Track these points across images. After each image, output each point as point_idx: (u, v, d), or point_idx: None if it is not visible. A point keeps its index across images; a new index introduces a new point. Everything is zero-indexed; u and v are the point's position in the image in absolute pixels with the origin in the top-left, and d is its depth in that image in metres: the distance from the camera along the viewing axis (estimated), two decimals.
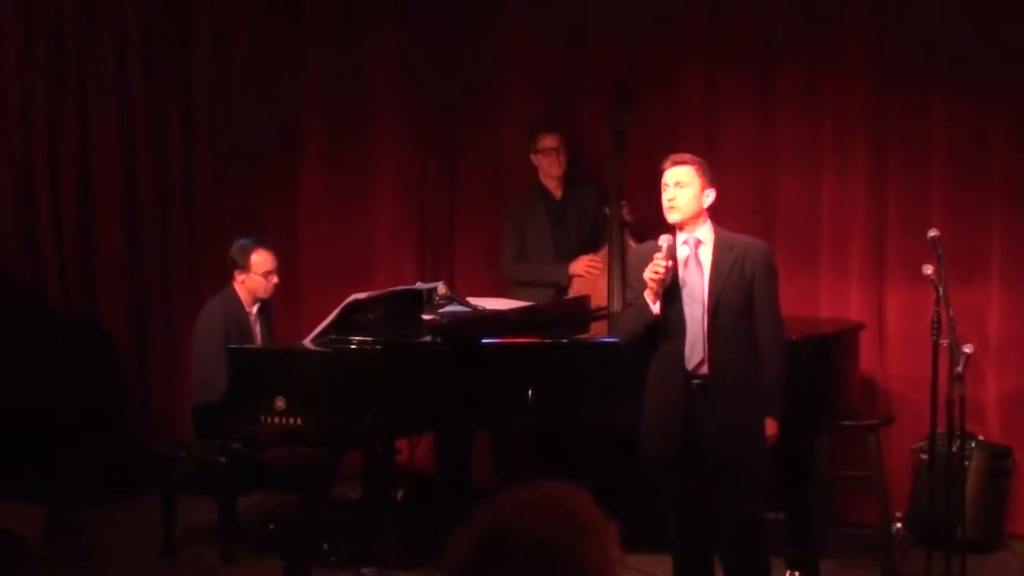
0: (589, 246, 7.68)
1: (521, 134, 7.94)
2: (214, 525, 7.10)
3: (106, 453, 8.15)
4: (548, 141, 7.76)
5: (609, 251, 7.37)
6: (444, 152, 8.41)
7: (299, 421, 6.41)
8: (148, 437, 8.36)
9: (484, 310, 7.02)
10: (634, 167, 7.43)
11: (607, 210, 7.42)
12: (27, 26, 8.57)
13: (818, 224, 7.67)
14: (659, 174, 5.73)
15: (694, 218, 5.70)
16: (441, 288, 6.93)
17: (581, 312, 7.30)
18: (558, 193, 7.83)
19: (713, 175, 5.75)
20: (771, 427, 5.68)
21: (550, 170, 7.78)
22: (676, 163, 5.71)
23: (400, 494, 7.21)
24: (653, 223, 7.19)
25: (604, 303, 7.34)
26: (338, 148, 8.54)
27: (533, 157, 7.82)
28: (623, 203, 7.31)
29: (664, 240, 5.61)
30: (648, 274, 5.56)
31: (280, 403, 6.40)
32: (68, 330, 8.51)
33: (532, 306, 7.26)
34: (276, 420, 6.43)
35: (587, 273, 7.55)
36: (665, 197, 5.69)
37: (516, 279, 7.77)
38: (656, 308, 5.60)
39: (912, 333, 7.24)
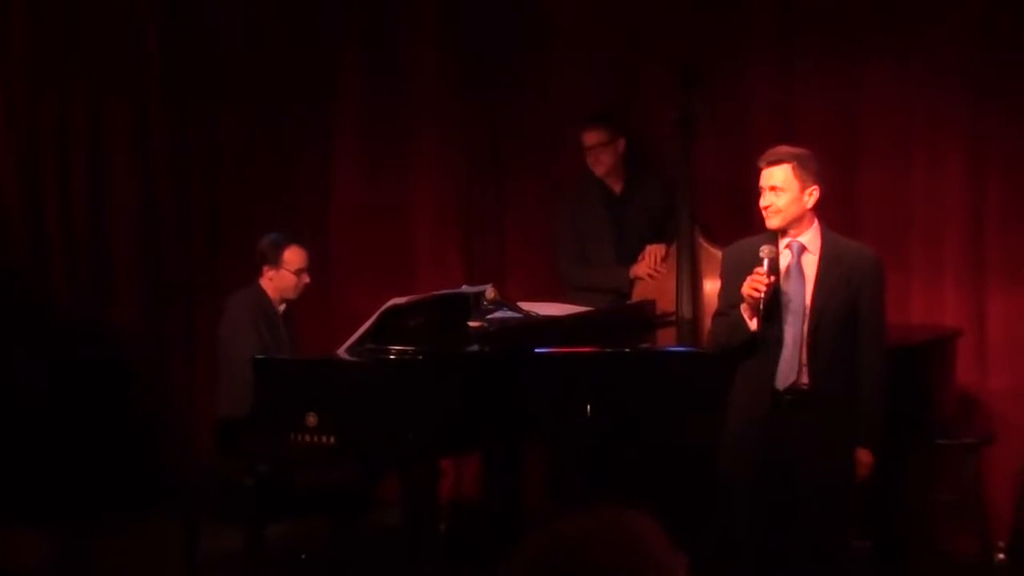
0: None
1: (575, 121, 7.60)
2: (239, 554, 6.81)
3: (119, 473, 8.04)
4: (586, 138, 7.41)
5: (679, 250, 6.97)
6: (490, 142, 8.17)
7: (332, 439, 6.07)
8: (166, 456, 8.28)
9: (537, 316, 6.70)
10: (702, 158, 7.11)
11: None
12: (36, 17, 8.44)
13: (908, 220, 7.37)
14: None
15: (796, 221, 5.42)
16: (490, 292, 6.57)
17: (645, 318, 6.95)
18: (617, 188, 7.45)
19: (817, 169, 5.46)
20: (865, 456, 5.45)
21: (593, 168, 7.43)
22: (770, 163, 5.44)
23: (443, 526, 7.09)
24: (723, 220, 7.14)
25: (671, 308, 6.95)
26: (375, 138, 8.34)
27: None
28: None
29: (765, 252, 5.33)
30: (746, 290, 5.30)
31: (311, 419, 6.06)
32: (77, 338, 8.39)
33: (591, 311, 6.90)
34: (307, 438, 6.10)
35: (650, 276, 7.17)
36: (761, 203, 5.47)
37: (572, 284, 7.43)
38: (754, 325, 5.38)
39: (1016, 342, 7.09)
